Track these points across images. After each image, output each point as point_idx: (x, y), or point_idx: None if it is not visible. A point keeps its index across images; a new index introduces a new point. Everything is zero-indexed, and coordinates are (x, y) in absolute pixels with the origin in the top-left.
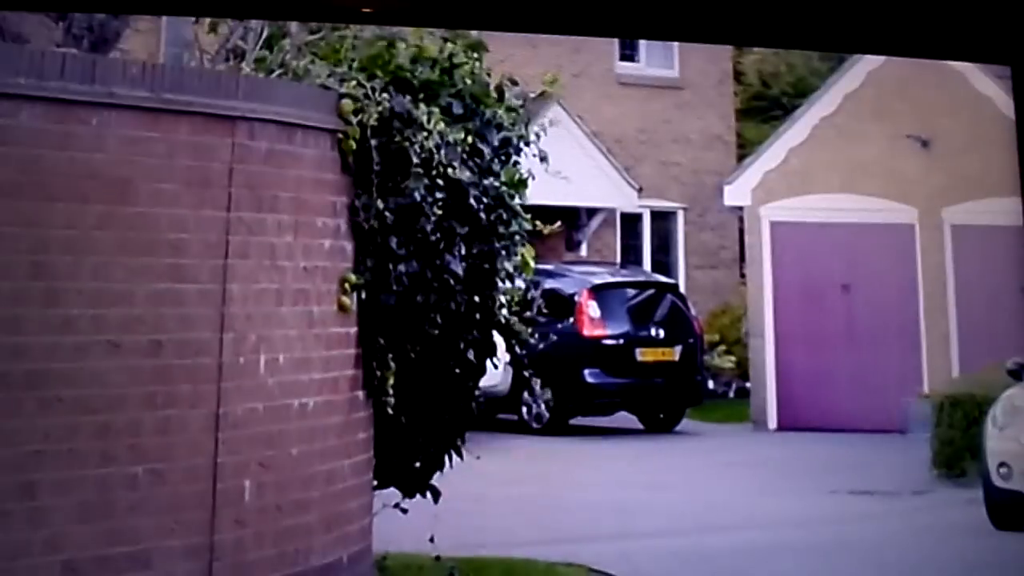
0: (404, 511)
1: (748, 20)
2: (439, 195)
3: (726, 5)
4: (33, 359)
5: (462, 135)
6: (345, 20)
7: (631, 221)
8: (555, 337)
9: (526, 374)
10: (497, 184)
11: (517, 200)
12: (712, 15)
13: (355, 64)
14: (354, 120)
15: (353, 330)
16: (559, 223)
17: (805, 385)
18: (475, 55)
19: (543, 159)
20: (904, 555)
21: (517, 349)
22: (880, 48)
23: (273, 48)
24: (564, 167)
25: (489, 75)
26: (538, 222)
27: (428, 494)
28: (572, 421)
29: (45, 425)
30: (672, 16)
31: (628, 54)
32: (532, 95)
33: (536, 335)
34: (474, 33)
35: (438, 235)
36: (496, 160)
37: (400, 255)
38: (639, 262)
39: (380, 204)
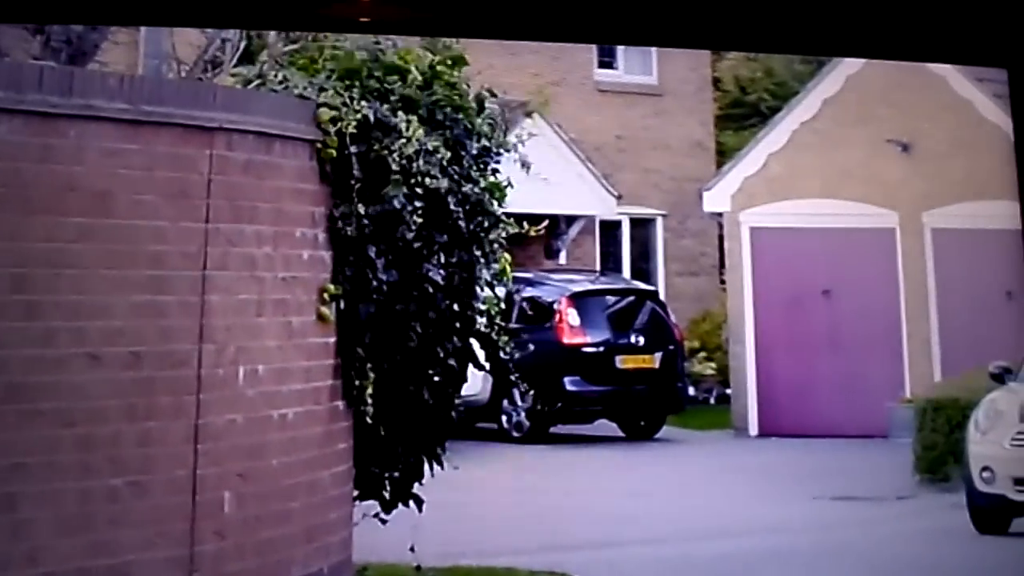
0: (384, 521)
1: (745, 24)
2: (418, 203)
3: (726, 9)
4: (13, 372)
5: (440, 143)
6: (343, 30)
7: (610, 228)
8: (532, 346)
9: (513, 378)
10: (477, 191)
11: (496, 207)
12: (713, 20)
13: (333, 74)
14: (332, 129)
15: (332, 340)
16: (545, 223)
17: (786, 391)
18: (455, 68)
19: (524, 164)
20: (888, 560)
21: (502, 355)
22: (877, 52)
23: (251, 59)
24: (544, 175)
25: (468, 86)
26: (525, 223)
27: (411, 503)
28: (552, 429)
29: (25, 438)
30: (669, 21)
31: (607, 61)
32: (513, 104)
33: (515, 343)
34: (456, 46)
35: (417, 244)
36: (475, 168)
37: (379, 264)
38: (619, 269)
39: (359, 212)
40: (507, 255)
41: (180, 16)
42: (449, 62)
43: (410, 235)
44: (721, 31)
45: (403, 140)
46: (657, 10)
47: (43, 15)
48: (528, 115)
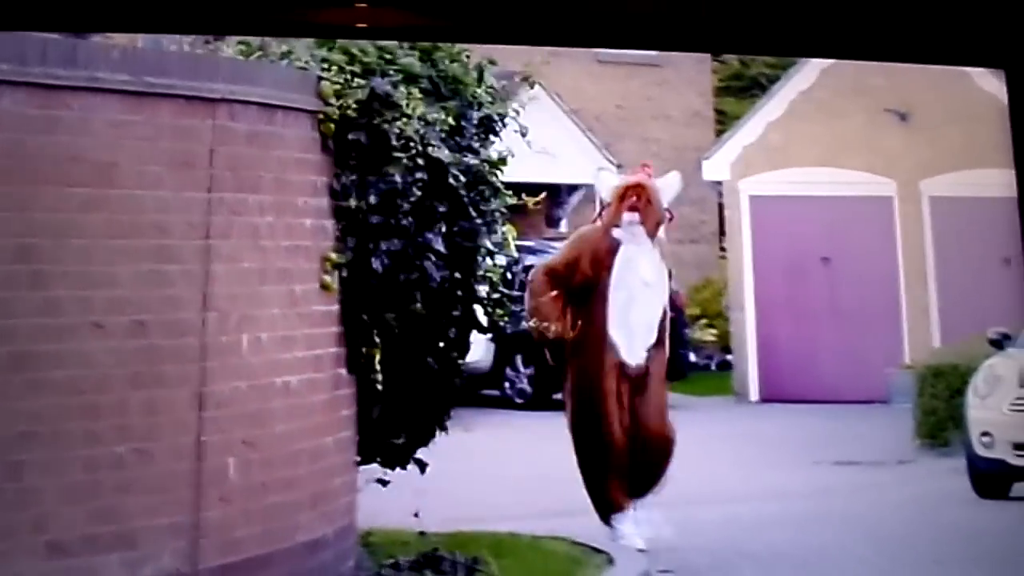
0: (385, 483)
1: (744, 26)
2: (419, 175)
3: (725, 12)
4: (19, 341)
5: (442, 115)
6: (339, 37)
7: None
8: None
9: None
10: (477, 162)
11: (497, 177)
12: (713, 22)
13: (335, 47)
14: (335, 102)
15: (335, 308)
16: (543, 195)
17: (787, 357)
18: None
19: (523, 134)
20: (889, 524)
21: (501, 323)
22: (875, 54)
23: None
24: (544, 145)
25: (468, 56)
26: (523, 194)
27: (415, 466)
28: (555, 396)
29: (31, 407)
30: (668, 25)
31: None
32: (514, 74)
33: (517, 311)
34: None
35: (419, 213)
36: (476, 138)
37: (381, 233)
38: None
39: (361, 184)
40: (510, 225)
41: (174, 23)
42: None
43: (410, 206)
44: (721, 33)
45: (404, 118)
46: (656, 14)
47: (39, 23)
48: (530, 85)
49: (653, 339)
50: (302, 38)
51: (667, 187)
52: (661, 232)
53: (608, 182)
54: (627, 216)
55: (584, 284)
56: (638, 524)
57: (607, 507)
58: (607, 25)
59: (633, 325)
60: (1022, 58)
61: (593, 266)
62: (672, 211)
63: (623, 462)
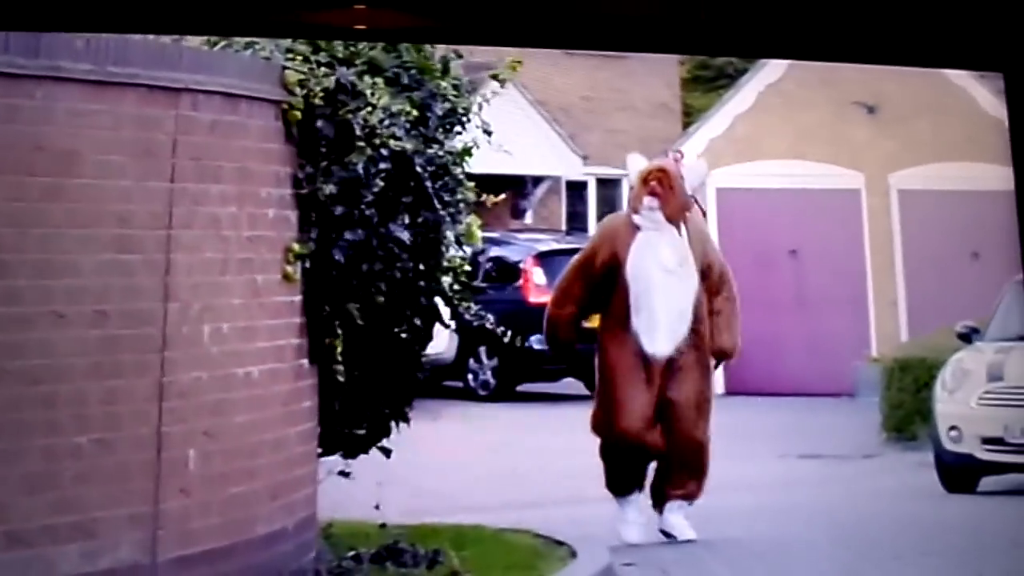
0: (347, 475)
1: (743, 29)
2: (383, 165)
3: (725, 14)
4: None
5: (407, 106)
6: (338, 38)
7: (577, 189)
8: (496, 307)
9: (488, 325)
10: (442, 153)
11: (461, 169)
12: (713, 25)
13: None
14: (299, 92)
15: (298, 299)
16: (504, 195)
17: (753, 350)
18: None
19: (488, 132)
20: (855, 518)
21: (466, 316)
22: (873, 57)
23: None
24: (509, 136)
25: (434, 48)
26: (484, 194)
27: (380, 453)
28: (519, 388)
29: None
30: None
31: None
32: (480, 67)
33: (481, 302)
34: None
35: (383, 204)
36: (441, 130)
37: (344, 224)
38: (585, 229)
39: (324, 175)
40: (475, 216)
41: (174, 24)
42: None
43: (373, 196)
44: (720, 37)
45: (368, 107)
46: (655, 17)
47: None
48: (497, 80)
49: (685, 328)
50: (302, 39)
51: (692, 172)
52: (713, 202)
53: (636, 166)
54: (647, 201)
55: (605, 272)
56: (666, 524)
57: (617, 486)
58: (605, 28)
59: (656, 313)
60: (1020, 62)
61: (613, 253)
62: (698, 198)
63: (643, 453)
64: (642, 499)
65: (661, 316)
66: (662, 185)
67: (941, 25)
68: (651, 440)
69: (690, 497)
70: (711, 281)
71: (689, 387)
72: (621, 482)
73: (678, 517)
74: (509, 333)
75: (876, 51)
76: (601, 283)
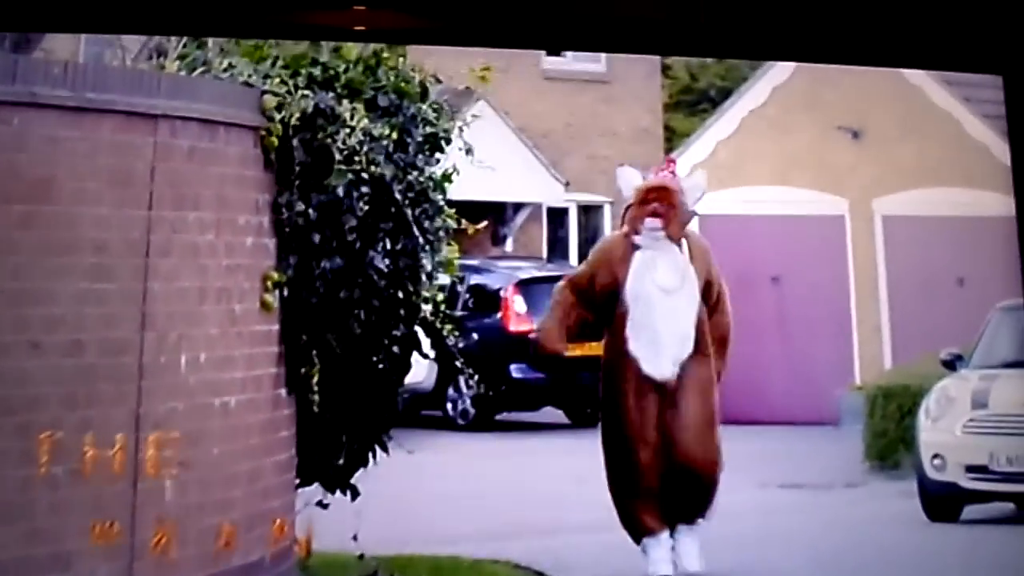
0: (324, 506)
1: (742, 31)
2: (364, 189)
3: (724, 16)
4: None
5: (386, 131)
6: (336, 39)
7: (558, 215)
8: (476, 335)
9: (459, 364)
10: (422, 180)
11: (441, 195)
12: (712, 26)
13: (278, 62)
14: (277, 117)
15: (275, 328)
16: (485, 222)
17: (735, 378)
18: (399, 52)
19: (468, 151)
20: (837, 547)
21: (448, 341)
22: (872, 60)
23: (197, 46)
24: (490, 162)
25: (414, 70)
26: (463, 220)
27: (349, 492)
28: (498, 417)
29: None
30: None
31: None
32: (460, 91)
33: (460, 331)
34: None
35: (362, 231)
36: (420, 155)
37: (323, 251)
38: (566, 257)
39: (303, 201)
40: (454, 244)
41: (174, 25)
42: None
43: (354, 223)
44: (719, 38)
45: (347, 130)
46: (653, 18)
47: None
48: (471, 92)
49: (687, 350)
50: (301, 40)
51: (693, 188)
52: (695, 228)
53: (631, 181)
54: (649, 222)
55: (605, 294)
56: (675, 552)
57: (635, 530)
58: (605, 29)
59: (658, 335)
60: (1019, 65)
61: (611, 274)
62: (696, 211)
63: (651, 484)
64: (664, 535)
65: (664, 338)
66: (663, 204)
67: (940, 28)
68: (658, 466)
69: (695, 520)
70: (709, 299)
71: (694, 409)
72: (637, 523)
73: (687, 544)
74: (476, 377)
75: (875, 53)
76: (601, 307)
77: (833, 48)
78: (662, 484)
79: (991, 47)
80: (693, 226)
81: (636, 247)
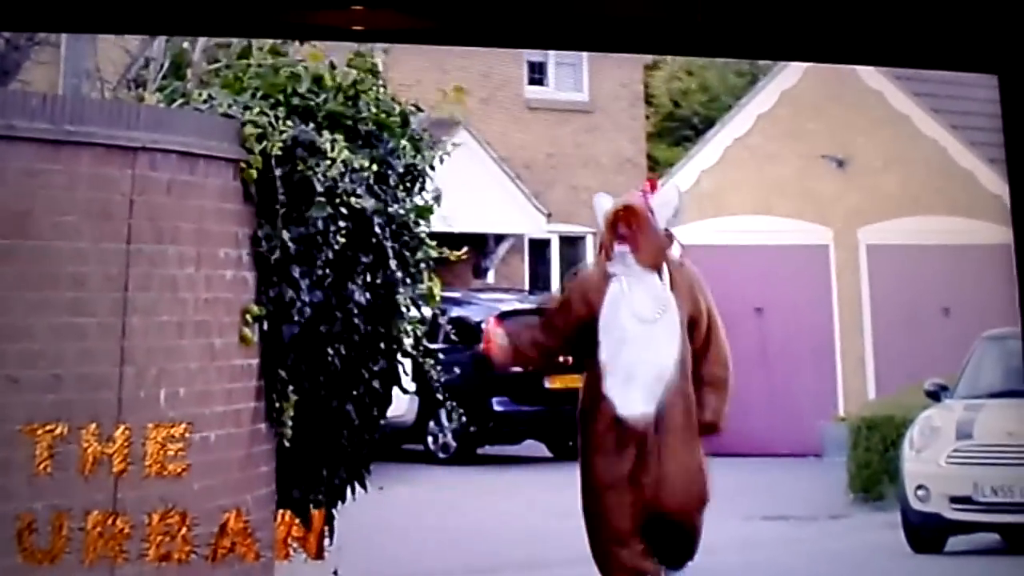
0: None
1: (742, 31)
2: (342, 223)
3: (723, 16)
4: None
5: (367, 162)
6: (335, 39)
7: (540, 247)
8: (458, 370)
9: (440, 397)
10: (402, 212)
11: (422, 227)
12: (711, 27)
13: (258, 92)
14: (257, 149)
15: (255, 362)
16: (465, 249)
17: None
18: (380, 81)
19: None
20: None
21: (431, 375)
22: (870, 59)
23: (177, 77)
24: (471, 192)
25: (395, 100)
26: (445, 248)
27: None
28: (480, 450)
29: None
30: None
31: (537, 78)
32: (441, 121)
33: (441, 364)
34: (378, 58)
35: (341, 264)
36: (401, 187)
37: (302, 285)
38: (548, 288)
39: (283, 234)
40: (435, 276)
41: (174, 26)
42: (369, 74)
43: (332, 256)
44: (716, 38)
45: (328, 161)
46: (651, 18)
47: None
48: (457, 128)
49: (666, 387)
50: (300, 40)
51: (662, 205)
52: (676, 252)
53: (602, 206)
54: (617, 248)
55: (581, 325)
56: None
57: None
58: (603, 29)
59: (631, 371)
60: (1014, 64)
61: (586, 304)
62: (673, 232)
63: (625, 536)
64: None
65: (638, 374)
66: (629, 227)
67: (936, 27)
68: (633, 513)
69: (682, 566)
70: (699, 333)
71: (675, 453)
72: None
73: None
74: (460, 411)
75: (870, 53)
76: (576, 339)
77: (829, 47)
78: (643, 534)
79: (986, 46)
80: (676, 256)
81: (612, 276)
